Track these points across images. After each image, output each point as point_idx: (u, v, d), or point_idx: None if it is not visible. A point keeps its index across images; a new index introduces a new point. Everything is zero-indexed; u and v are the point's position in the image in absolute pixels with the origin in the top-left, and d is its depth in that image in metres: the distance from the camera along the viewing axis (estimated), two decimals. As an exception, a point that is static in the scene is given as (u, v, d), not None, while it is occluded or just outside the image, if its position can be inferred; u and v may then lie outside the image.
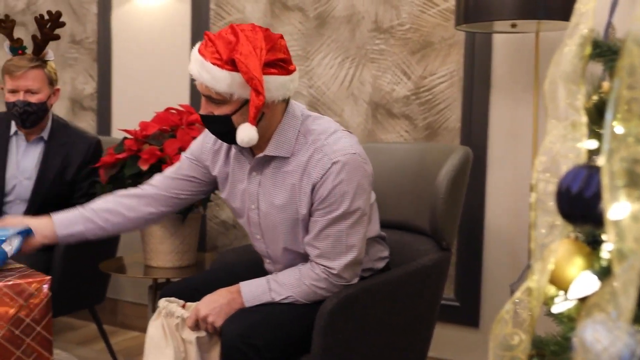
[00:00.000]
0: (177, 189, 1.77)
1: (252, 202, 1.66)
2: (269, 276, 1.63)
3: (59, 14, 2.29)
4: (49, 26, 2.28)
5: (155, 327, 1.60)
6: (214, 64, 1.46)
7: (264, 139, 1.59)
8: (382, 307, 1.71)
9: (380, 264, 1.81)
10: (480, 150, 2.39)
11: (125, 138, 2.32)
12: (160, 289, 2.30)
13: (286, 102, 1.61)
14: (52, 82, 2.37)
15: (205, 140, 1.75)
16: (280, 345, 1.54)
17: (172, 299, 1.64)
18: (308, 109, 2.66)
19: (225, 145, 1.71)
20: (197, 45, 1.52)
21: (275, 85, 1.50)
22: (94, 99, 3.25)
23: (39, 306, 1.43)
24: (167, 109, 2.41)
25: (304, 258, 1.66)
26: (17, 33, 3.43)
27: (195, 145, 1.78)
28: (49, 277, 1.45)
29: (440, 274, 1.90)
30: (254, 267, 1.82)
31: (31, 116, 2.33)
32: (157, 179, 1.79)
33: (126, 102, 3.17)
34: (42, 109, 2.35)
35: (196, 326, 1.58)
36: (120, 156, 2.25)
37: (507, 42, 2.36)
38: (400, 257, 1.94)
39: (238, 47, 1.44)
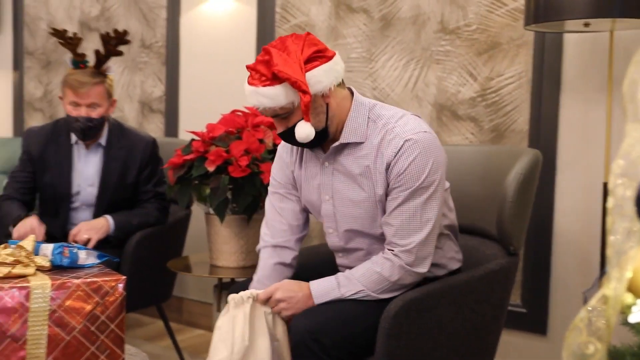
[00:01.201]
0: (292, 220, 1.80)
1: (326, 192, 1.71)
2: (340, 273, 1.65)
3: (125, 32, 2.32)
4: (114, 43, 2.32)
5: (224, 320, 1.63)
6: (264, 86, 1.56)
7: (336, 129, 1.65)
8: (447, 311, 1.69)
9: (454, 265, 1.79)
10: (550, 152, 2.33)
11: (192, 140, 2.37)
12: (225, 288, 2.34)
13: (350, 92, 1.68)
14: (110, 95, 2.43)
15: (281, 159, 1.81)
16: (347, 344, 1.55)
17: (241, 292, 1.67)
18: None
19: (297, 152, 1.77)
20: (245, 83, 1.62)
21: (322, 74, 1.57)
22: (162, 102, 3.33)
23: (114, 304, 1.48)
24: (233, 111, 2.45)
25: (378, 241, 1.67)
26: (91, 38, 3.56)
27: (276, 171, 1.82)
28: (124, 277, 1.50)
29: (507, 279, 1.86)
30: (321, 267, 1.84)
31: (92, 130, 2.40)
32: (279, 236, 1.80)
33: (193, 104, 3.24)
34: (102, 122, 2.42)
35: (265, 303, 1.61)
36: (187, 157, 2.30)
37: (579, 42, 2.29)
38: (466, 262, 1.91)
39: (273, 61, 1.54)
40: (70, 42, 2.27)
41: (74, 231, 2.34)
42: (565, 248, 2.35)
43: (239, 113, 2.44)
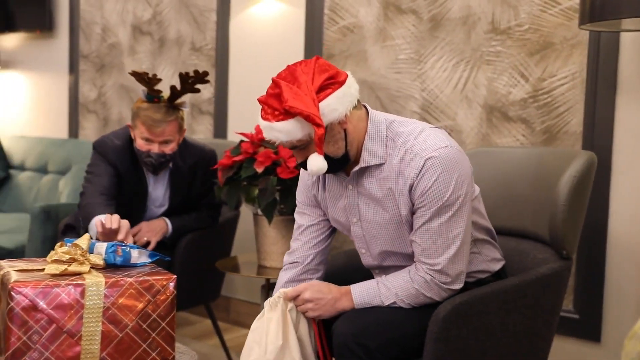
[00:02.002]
0: (314, 237, 1.79)
1: (353, 215, 1.68)
2: (379, 279, 1.64)
3: (205, 74, 2.24)
4: (192, 81, 2.25)
5: (258, 324, 1.64)
6: (278, 121, 1.52)
7: (356, 152, 1.62)
8: (497, 316, 1.67)
9: (496, 266, 1.76)
10: (604, 155, 2.26)
11: (241, 141, 2.39)
12: (273, 289, 2.36)
13: (365, 111, 1.63)
14: (181, 127, 2.38)
15: (302, 181, 1.80)
16: (392, 348, 1.53)
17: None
18: (421, 112, 2.65)
19: (319, 177, 1.75)
20: (259, 118, 1.58)
21: (336, 102, 1.53)
22: (212, 104, 3.38)
23: (165, 303, 1.50)
24: (282, 113, 2.46)
25: (412, 259, 1.65)
26: (143, 42, 3.64)
27: (299, 193, 1.81)
28: (175, 276, 1.52)
29: (559, 284, 1.82)
30: (364, 270, 1.83)
31: (163, 164, 2.37)
32: (306, 253, 1.78)
33: (242, 106, 3.28)
34: (173, 156, 2.38)
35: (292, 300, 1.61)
36: (237, 158, 2.32)
37: (637, 41, 2.22)
38: (517, 265, 1.88)
39: (283, 96, 1.50)
40: (147, 80, 2.21)
41: (134, 230, 2.36)
42: (620, 253, 2.28)
43: (288, 115, 2.45)
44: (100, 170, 2.36)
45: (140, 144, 2.32)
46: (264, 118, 1.56)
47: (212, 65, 3.36)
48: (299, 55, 3.02)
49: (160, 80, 2.24)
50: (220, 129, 3.34)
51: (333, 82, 1.54)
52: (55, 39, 4.16)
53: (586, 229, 2.26)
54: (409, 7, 2.70)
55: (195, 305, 2.71)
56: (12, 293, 1.39)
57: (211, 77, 3.37)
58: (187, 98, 3.45)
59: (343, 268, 1.99)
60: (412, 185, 1.56)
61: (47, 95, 4.26)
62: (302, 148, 1.56)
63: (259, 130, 2.37)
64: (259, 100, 1.57)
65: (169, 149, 2.34)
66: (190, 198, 2.54)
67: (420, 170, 1.54)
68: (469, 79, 2.56)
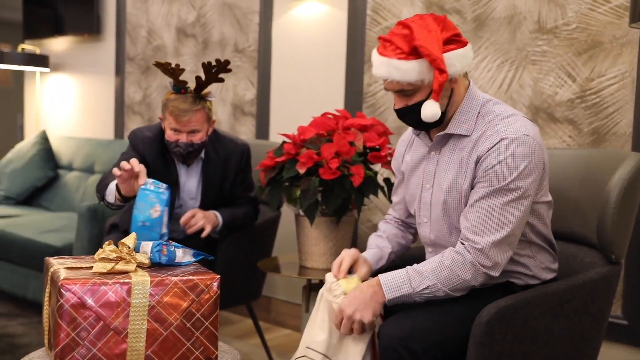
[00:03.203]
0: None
1: (427, 181, 1.71)
2: (409, 267, 1.62)
3: (227, 62, 2.28)
4: (215, 71, 2.30)
5: (318, 307, 1.67)
6: (399, 59, 1.55)
7: (448, 118, 1.65)
8: (543, 320, 1.63)
9: (548, 275, 1.73)
10: (655, 157, 2.20)
11: (284, 142, 2.40)
12: (314, 290, 2.36)
13: (468, 82, 1.67)
14: (209, 118, 2.41)
15: (397, 152, 1.87)
16: (438, 351, 1.52)
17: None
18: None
19: (409, 141, 1.82)
20: (374, 51, 1.61)
21: (457, 58, 1.57)
22: (254, 105, 3.40)
23: (209, 302, 1.52)
24: (324, 114, 2.47)
25: None
26: (187, 44, 3.69)
27: (395, 164, 1.90)
28: (218, 276, 1.53)
29: (608, 289, 1.77)
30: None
31: (192, 154, 2.40)
32: (394, 212, 1.95)
33: (284, 107, 3.29)
34: (202, 146, 2.41)
35: (343, 326, 1.60)
36: (279, 159, 2.33)
37: (689, 39, 2.16)
38: (564, 269, 1.84)
39: (415, 35, 1.54)
40: (170, 70, 2.27)
41: (188, 214, 2.34)
42: (672, 258, 2.21)
43: (330, 116, 2.46)
44: (125, 157, 2.40)
45: (169, 134, 2.37)
46: (381, 53, 1.58)
47: (254, 66, 3.39)
48: (342, 56, 3.02)
49: (183, 70, 2.29)
50: (262, 129, 3.36)
51: (458, 40, 1.59)
52: (102, 42, 4.25)
53: (636, 233, 2.20)
54: (453, 7, 2.67)
55: (236, 305, 2.73)
56: (62, 290, 1.42)
57: (253, 79, 3.40)
58: (229, 99, 3.49)
59: (385, 270, 1.98)
60: (480, 158, 1.58)
61: (94, 97, 4.36)
62: (408, 94, 1.60)
63: (301, 131, 2.37)
64: (381, 38, 1.60)
65: (197, 138, 2.37)
66: (223, 192, 2.54)
67: (493, 147, 1.56)
68: (513, 80, 2.52)
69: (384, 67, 1.57)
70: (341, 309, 1.59)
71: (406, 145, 1.84)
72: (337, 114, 2.46)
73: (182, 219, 2.35)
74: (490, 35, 2.57)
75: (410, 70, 1.54)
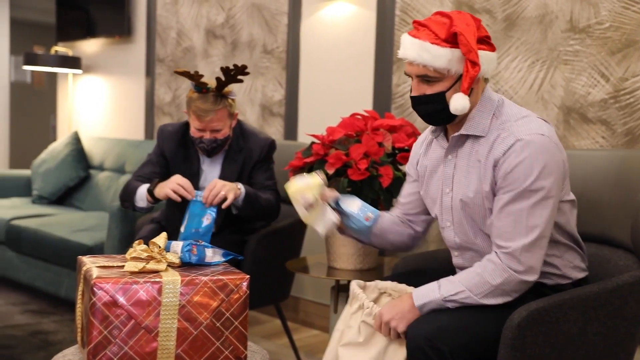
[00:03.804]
0: (418, 209, 1.85)
1: (446, 185, 1.70)
2: (441, 280, 1.61)
3: (244, 67, 2.34)
4: (233, 73, 2.36)
5: (346, 315, 1.66)
6: (432, 43, 1.54)
7: (463, 117, 1.64)
8: (575, 324, 1.61)
9: (579, 274, 1.70)
10: (692, 158, 2.15)
11: (312, 142, 2.40)
12: (343, 290, 2.36)
13: (485, 85, 1.66)
14: (231, 114, 2.47)
15: (413, 152, 1.85)
16: (466, 353, 1.50)
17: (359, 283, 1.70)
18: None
19: (425, 142, 1.79)
20: (405, 34, 1.61)
21: (486, 60, 1.58)
22: (282, 105, 3.42)
23: (238, 302, 1.53)
24: (353, 115, 2.46)
25: (490, 245, 1.63)
26: (216, 45, 3.71)
27: (410, 162, 1.88)
28: (247, 276, 1.54)
29: (643, 293, 1.74)
30: (436, 274, 1.80)
31: (216, 149, 2.47)
32: (399, 206, 1.90)
33: (312, 108, 3.30)
34: (226, 140, 2.48)
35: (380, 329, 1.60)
36: (307, 160, 2.34)
37: None
38: (597, 272, 1.81)
39: (455, 23, 1.54)
40: (192, 76, 2.36)
41: (209, 185, 2.31)
42: None
43: (359, 116, 2.45)
44: (149, 158, 2.59)
45: (193, 131, 2.46)
46: (413, 35, 1.58)
47: (283, 67, 3.40)
48: (370, 57, 3.01)
49: (202, 76, 2.37)
50: (290, 130, 3.37)
51: (489, 42, 1.61)
52: (133, 44, 4.30)
53: (671, 236, 2.16)
54: (483, 6, 2.65)
55: (265, 305, 2.74)
56: (94, 289, 1.44)
57: (282, 80, 3.41)
58: (257, 99, 3.51)
59: (414, 271, 1.97)
60: (497, 161, 1.56)
61: (125, 98, 4.42)
62: (430, 81, 1.59)
63: (330, 131, 2.38)
64: (416, 22, 1.60)
65: (220, 134, 2.44)
66: (241, 181, 2.52)
67: (509, 149, 1.55)
68: (545, 80, 2.49)
69: (415, 48, 1.56)
70: (380, 313, 1.60)
71: (422, 147, 1.82)
72: (365, 114, 2.45)
73: (203, 195, 2.30)
74: (520, 35, 2.54)
75: (441, 56, 1.54)
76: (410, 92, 1.64)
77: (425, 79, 1.59)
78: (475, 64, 1.52)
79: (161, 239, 1.61)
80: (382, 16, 2.96)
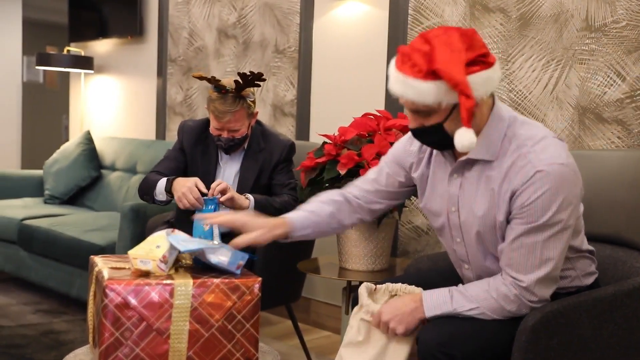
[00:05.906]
0: (376, 200, 1.78)
1: (452, 204, 1.62)
2: (453, 287, 1.58)
3: (260, 74, 2.37)
4: (250, 79, 2.38)
5: (354, 320, 1.64)
6: (415, 77, 1.43)
7: None
8: (590, 327, 1.59)
9: (589, 280, 1.68)
10: None
11: (324, 143, 2.39)
12: (354, 291, 2.34)
13: (492, 100, 1.55)
14: (250, 113, 2.46)
15: (409, 144, 1.74)
16: (479, 357, 1.49)
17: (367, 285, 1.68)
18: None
19: (428, 150, 1.69)
20: (392, 63, 1.50)
21: (480, 81, 1.44)
22: (294, 105, 3.41)
23: (250, 304, 1.52)
24: (365, 115, 2.45)
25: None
26: (228, 45, 3.71)
27: (396, 150, 1.77)
28: (260, 278, 1.53)
29: (660, 296, 1.71)
30: (448, 274, 1.78)
31: (234, 147, 2.48)
32: (358, 190, 1.80)
33: (324, 108, 3.28)
34: (244, 138, 2.49)
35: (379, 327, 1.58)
36: (319, 160, 2.33)
37: None
38: (612, 274, 1.79)
39: (435, 55, 1.41)
40: (207, 79, 2.38)
41: (213, 185, 2.29)
42: None
43: (371, 116, 2.44)
44: (168, 153, 2.62)
45: (212, 129, 2.48)
46: (399, 68, 1.46)
47: (295, 67, 3.39)
48: (383, 57, 3.00)
49: (219, 80, 2.39)
50: (302, 130, 3.36)
51: (484, 60, 1.45)
52: (144, 44, 4.31)
53: (688, 238, 2.13)
54: (497, 5, 2.63)
55: (276, 306, 2.73)
56: (107, 290, 1.44)
57: (294, 79, 3.40)
58: (269, 99, 3.50)
59: (427, 272, 1.95)
60: (515, 192, 1.48)
61: (137, 98, 4.43)
62: (423, 114, 1.49)
63: (342, 132, 2.36)
64: (401, 50, 1.46)
65: (238, 134, 2.45)
66: (260, 182, 2.52)
67: (528, 181, 1.46)
68: (559, 79, 2.46)
69: (400, 84, 1.45)
70: (380, 312, 1.58)
71: (419, 153, 1.71)
72: (378, 114, 2.44)
73: (210, 192, 2.27)
74: (535, 34, 2.52)
75: (427, 91, 1.42)
76: (409, 123, 1.54)
77: (418, 113, 1.49)
78: (468, 96, 1.39)
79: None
80: (395, 16, 2.95)
